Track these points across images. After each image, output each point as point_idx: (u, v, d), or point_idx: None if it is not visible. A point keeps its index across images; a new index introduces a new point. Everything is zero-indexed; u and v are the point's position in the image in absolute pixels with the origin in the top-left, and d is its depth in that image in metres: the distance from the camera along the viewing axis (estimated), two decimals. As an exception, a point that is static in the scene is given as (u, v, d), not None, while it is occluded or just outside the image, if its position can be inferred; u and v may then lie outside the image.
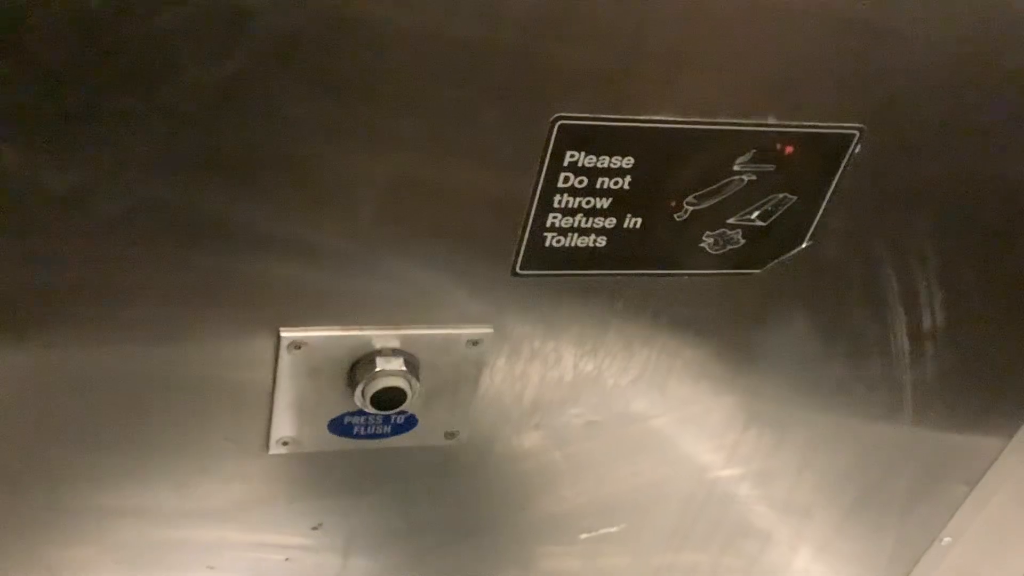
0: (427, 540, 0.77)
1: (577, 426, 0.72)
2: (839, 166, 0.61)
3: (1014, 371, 0.79)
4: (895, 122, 0.60)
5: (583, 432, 0.72)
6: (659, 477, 0.78)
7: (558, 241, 0.59)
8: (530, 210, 0.57)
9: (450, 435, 0.68)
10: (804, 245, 0.64)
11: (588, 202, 0.58)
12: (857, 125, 0.59)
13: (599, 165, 0.56)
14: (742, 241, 0.63)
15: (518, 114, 0.53)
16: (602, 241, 0.60)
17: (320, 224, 0.54)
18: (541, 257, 0.59)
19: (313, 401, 0.62)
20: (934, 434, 0.82)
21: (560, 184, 0.56)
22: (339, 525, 0.72)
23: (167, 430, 0.62)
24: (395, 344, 0.61)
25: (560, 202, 0.57)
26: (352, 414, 0.64)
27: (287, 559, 0.73)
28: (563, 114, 0.53)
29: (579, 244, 0.60)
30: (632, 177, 0.57)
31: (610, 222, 0.59)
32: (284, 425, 0.63)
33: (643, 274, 0.63)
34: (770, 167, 0.59)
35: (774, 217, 0.62)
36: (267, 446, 0.64)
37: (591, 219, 0.59)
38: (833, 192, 0.62)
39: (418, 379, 0.61)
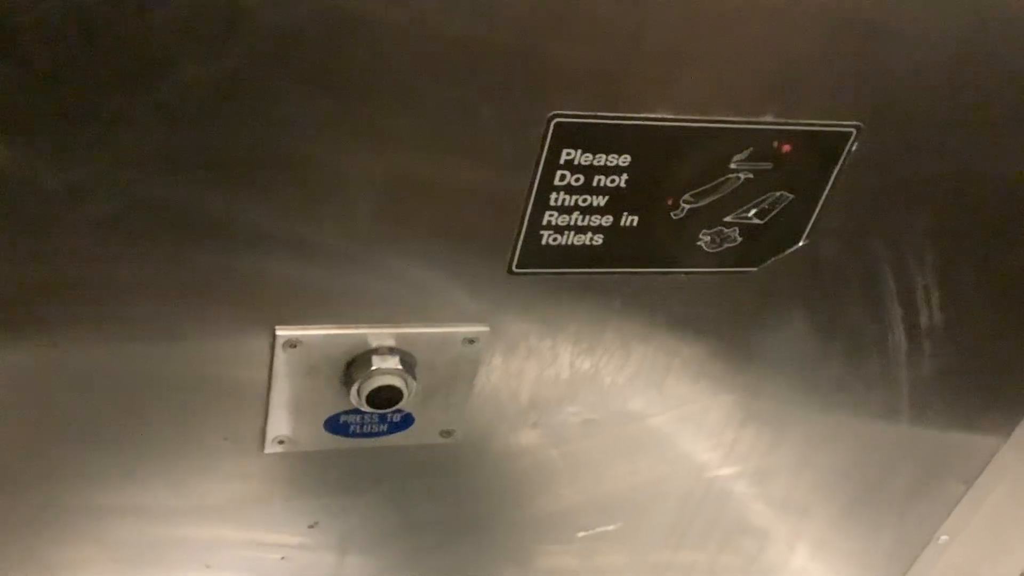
0: (423, 539, 0.76)
1: (574, 424, 0.71)
2: (836, 164, 0.61)
3: (1011, 369, 0.79)
4: (893, 120, 0.60)
5: (580, 430, 0.72)
6: (657, 475, 0.78)
7: (554, 239, 0.59)
8: (526, 208, 0.57)
9: (446, 434, 0.68)
10: (801, 243, 0.64)
11: (584, 200, 0.58)
12: (854, 123, 0.59)
13: (595, 163, 0.56)
14: (739, 239, 0.62)
15: (514, 112, 0.53)
16: (599, 239, 0.60)
17: (316, 222, 0.54)
18: (537, 255, 0.59)
19: (309, 400, 0.62)
20: (932, 432, 0.82)
21: (556, 182, 0.56)
22: (335, 523, 0.72)
23: (163, 428, 0.62)
24: (391, 342, 0.61)
25: (556, 200, 0.57)
26: (348, 413, 0.64)
27: (283, 557, 0.73)
28: (559, 112, 0.53)
29: (576, 242, 0.59)
30: (629, 175, 0.57)
31: (607, 220, 0.59)
32: (280, 424, 0.63)
33: (640, 272, 0.63)
34: (767, 165, 0.59)
35: (771, 215, 0.62)
36: (263, 445, 0.64)
37: (588, 217, 0.58)
38: (830, 190, 0.62)
39: (414, 377, 0.61)
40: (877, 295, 0.70)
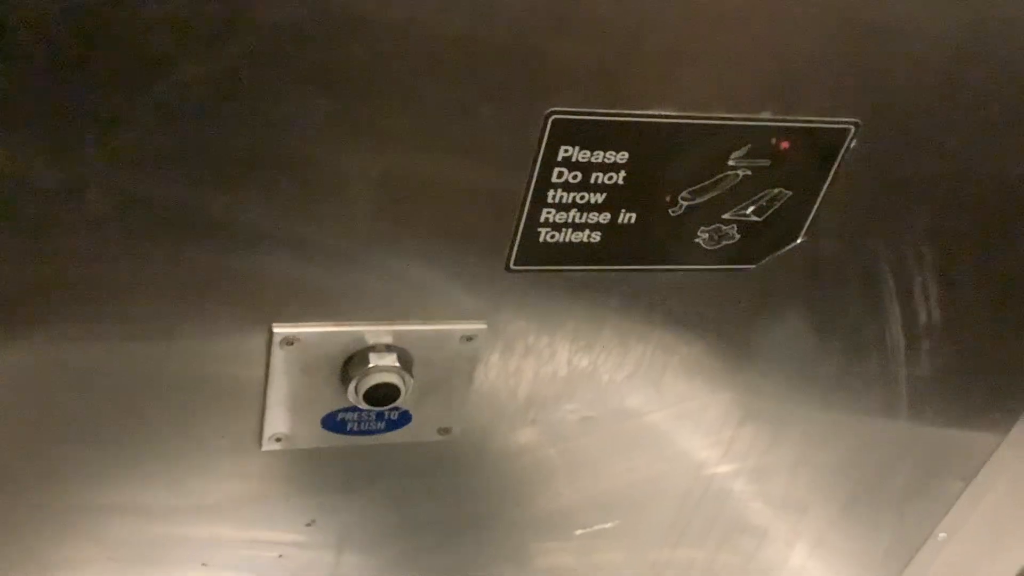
0: (421, 537, 0.76)
1: (572, 422, 0.71)
2: (835, 161, 0.60)
3: (1010, 367, 0.79)
4: (891, 118, 0.60)
5: (578, 428, 0.72)
6: (655, 473, 0.78)
7: (552, 236, 0.59)
8: (524, 205, 0.57)
9: (444, 431, 0.68)
10: (799, 240, 0.64)
11: (582, 197, 0.57)
12: (853, 120, 0.59)
13: (593, 160, 0.56)
14: (737, 236, 0.62)
15: (512, 109, 0.53)
16: (596, 236, 0.60)
17: (313, 220, 0.54)
18: (535, 252, 0.59)
19: (306, 397, 0.62)
20: (930, 430, 0.82)
21: (554, 179, 0.56)
22: (333, 521, 0.72)
23: (161, 427, 0.62)
24: (388, 340, 0.60)
25: (554, 197, 0.57)
26: (345, 410, 0.64)
27: (280, 556, 0.73)
28: (557, 109, 0.53)
29: (573, 239, 0.59)
30: (626, 172, 0.57)
31: (604, 217, 0.59)
32: (277, 421, 0.63)
33: (638, 270, 0.62)
34: (765, 162, 0.59)
35: (769, 212, 0.62)
36: (260, 443, 0.64)
37: (585, 214, 0.58)
38: (829, 188, 0.62)
39: (411, 375, 0.61)
40: (876, 293, 0.70)
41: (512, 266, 0.60)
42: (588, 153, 0.56)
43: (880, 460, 0.84)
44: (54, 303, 0.53)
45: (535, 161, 0.55)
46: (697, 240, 0.62)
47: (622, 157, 0.56)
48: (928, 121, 0.61)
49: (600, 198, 0.58)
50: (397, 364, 0.60)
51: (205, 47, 0.46)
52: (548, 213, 0.58)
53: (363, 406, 0.61)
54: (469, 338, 0.62)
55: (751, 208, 0.61)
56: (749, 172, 0.59)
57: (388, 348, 0.60)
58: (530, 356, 0.66)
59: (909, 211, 0.66)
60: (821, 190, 0.62)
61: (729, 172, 0.59)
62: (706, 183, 0.59)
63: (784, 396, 0.75)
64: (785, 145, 0.59)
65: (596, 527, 0.81)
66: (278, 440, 0.64)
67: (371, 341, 0.60)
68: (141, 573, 0.70)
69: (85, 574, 0.68)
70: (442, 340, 0.62)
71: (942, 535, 0.91)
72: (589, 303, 0.64)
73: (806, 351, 0.73)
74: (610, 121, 0.54)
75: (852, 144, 0.60)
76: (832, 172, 0.61)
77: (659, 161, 0.57)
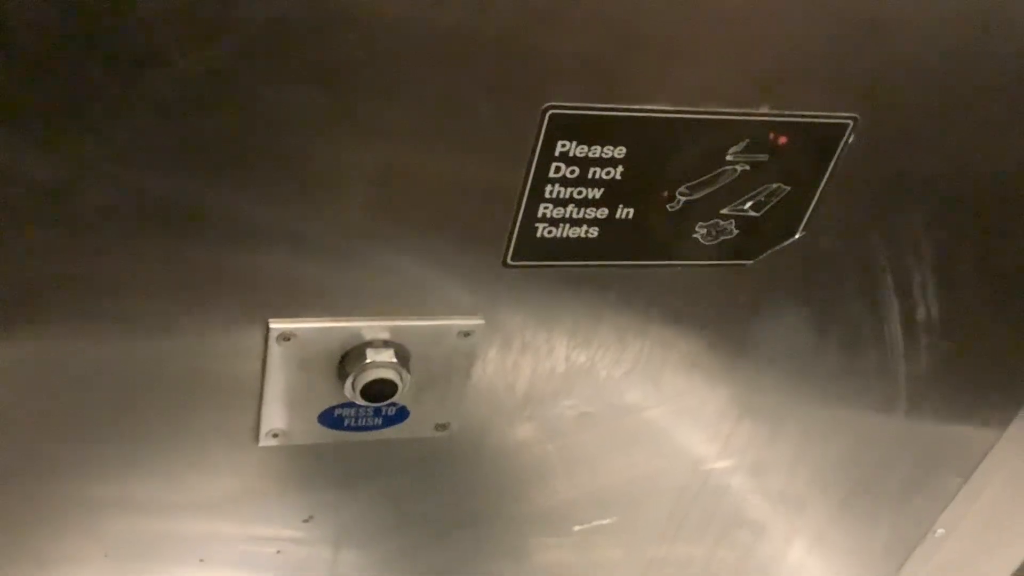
0: (419, 533, 0.76)
1: (570, 418, 0.71)
2: (833, 156, 0.60)
3: (1008, 363, 0.79)
4: (889, 113, 0.60)
5: (576, 424, 0.72)
6: (653, 469, 0.78)
7: (549, 232, 0.59)
8: (521, 200, 0.57)
9: (441, 427, 0.68)
10: (797, 236, 0.64)
11: (580, 192, 0.57)
12: (851, 115, 0.59)
13: (591, 155, 0.56)
14: (735, 232, 0.62)
15: (509, 103, 0.53)
16: (594, 232, 0.59)
17: (309, 215, 0.54)
18: (532, 248, 0.59)
19: (303, 393, 0.62)
20: (928, 426, 0.82)
21: (551, 174, 0.56)
22: (330, 517, 0.72)
23: (157, 423, 0.61)
24: (385, 335, 0.60)
25: (551, 192, 0.57)
26: (342, 406, 0.64)
27: (278, 551, 0.73)
28: (554, 103, 0.53)
29: (571, 235, 0.59)
30: (624, 167, 0.57)
31: (602, 213, 0.59)
32: (274, 417, 0.63)
33: (635, 265, 0.62)
34: (763, 157, 0.59)
35: (767, 208, 0.62)
36: (257, 438, 0.64)
37: (583, 210, 0.58)
38: (827, 182, 0.62)
39: (409, 371, 0.61)
40: (874, 288, 0.70)
41: (509, 261, 0.60)
42: (586, 148, 0.55)
43: (878, 456, 0.84)
44: (47, 299, 0.53)
45: (532, 156, 0.55)
46: (695, 236, 0.62)
47: (620, 152, 0.56)
48: (927, 116, 0.61)
49: (598, 193, 0.58)
50: (394, 360, 0.60)
51: (200, 42, 0.46)
52: (545, 208, 0.57)
53: (360, 402, 0.61)
54: (466, 334, 0.62)
55: (749, 203, 0.61)
56: (747, 167, 0.59)
57: (385, 344, 0.60)
58: (528, 352, 0.66)
59: (908, 207, 0.66)
60: (819, 185, 0.62)
61: (727, 167, 0.59)
62: (704, 178, 0.59)
63: (782, 392, 0.75)
64: (783, 140, 0.58)
65: (594, 523, 0.81)
66: (275, 436, 0.64)
67: (368, 337, 0.60)
68: (138, 569, 0.70)
69: (82, 570, 0.68)
70: (439, 336, 0.62)
71: (940, 531, 0.91)
72: (587, 299, 0.64)
73: (804, 347, 0.72)
74: (608, 116, 0.54)
75: (850, 139, 0.60)
76: (830, 167, 0.61)
77: (657, 156, 0.57)
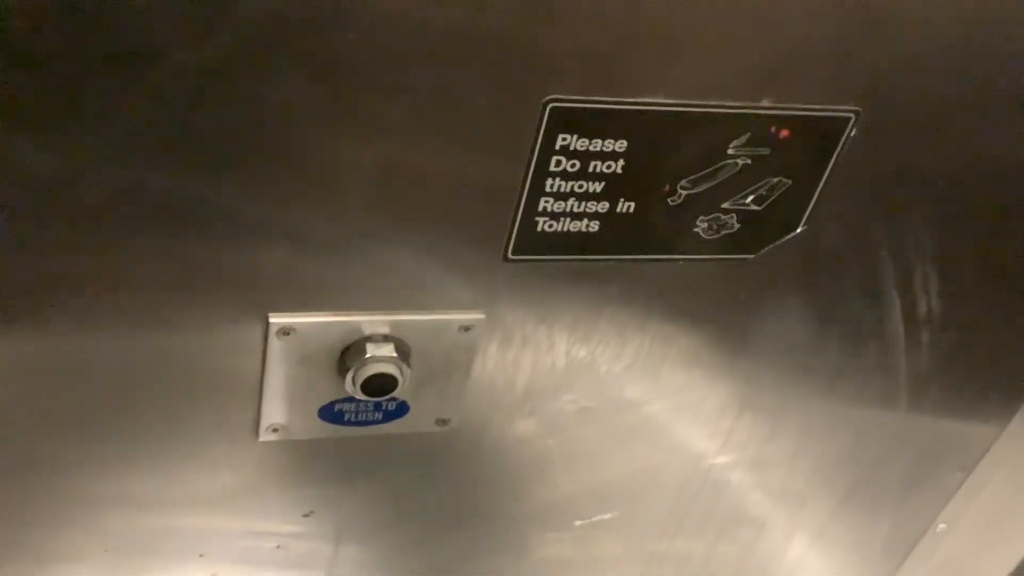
0: (419, 528, 0.76)
1: (570, 413, 0.71)
2: (835, 150, 0.60)
3: (1010, 357, 0.79)
4: (891, 106, 0.59)
5: (576, 419, 0.72)
6: (653, 464, 0.78)
7: (550, 226, 0.58)
8: (522, 194, 0.57)
9: (442, 422, 0.68)
10: (799, 230, 0.64)
11: (580, 186, 0.57)
12: (853, 108, 0.58)
13: (591, 149, 0.56)
14: (736, 226, 0.62)
15: (509, 97, 0.52)
16: (595, 226, 0.59)
17: (309, 209, 0.54)
18: (533, 242, 0.59)
19: (303, 388, 0.62)
20: (929, 421, 0.82)
21: (552, 168, 0.56)
22: (330, 513, 0.72)
23: (157, 418, 0.61)
24: (386, 330, 0.60)
25: (552, 186, 0.57)
26: (342, 401, 0.64)
27: (278, 546, 0.73)
28: (555, 96, 0.53)
29: (571, 229, 0.59)
30: (625, 161, 0.57)
31: (603, 206, 0.58)
32: (274, 412, 0.63)
33: (636, 259, 0.62)
34: (765, 151, 0.59)
35: (769, 201, 0.61)
36: (257, 433, 0.64)
37: (583, 203, 0.58)
38: (829, 176, 0.61)
39: (409, 365, 0.61)
40: (875, 282, 0.70)
41: (510, 256, 0.59)
42: (586, 141, 0.55)
43: (879, 452, 0.84)
44: (46, 294, 0.53)
45: (533, 150, 0.55)
46: (696, 229, 0.62)
47: (620, 146, 0.56)
48: (929, 110, 0.60)
49: (598, 187, 0.57)
50: (394, 354, 0.60)
51: (196, 34, 0.46)
52: (546, 202, 0.57)
53: (360, 396, 0.61)
54: (467, 328, 0.62)
55: (751, 197, 0.61)
56: (748, 161, 0.59)
57: (385, 338, 0.60)
58: (528, 346, 0.65)
59: (909, 200, 0.65)
60: (821, 179, 0.61)
61: (728, 161, 0.59)
62: (705, 172, 0.59)
63: (783, 387, 0.75)
64: (785, 134, 0.58)
65: (595, 518, 0.81)
66: (275, 431, 0.64)
67: (368, 331, 0.60)
68: (138, 564, 0.70)
69: (82, 566, 0.68)
70: (440, 330, 0.62)
71: (942, 526, 0.91)
72: (587, 293, 0.64)
73: (805, 341, 0.72)
74: (609, 109, 0.54)
75: (852, 133, 0.59)
76: (832, 161, 0.61)
77: (658, 150, 0.57)
